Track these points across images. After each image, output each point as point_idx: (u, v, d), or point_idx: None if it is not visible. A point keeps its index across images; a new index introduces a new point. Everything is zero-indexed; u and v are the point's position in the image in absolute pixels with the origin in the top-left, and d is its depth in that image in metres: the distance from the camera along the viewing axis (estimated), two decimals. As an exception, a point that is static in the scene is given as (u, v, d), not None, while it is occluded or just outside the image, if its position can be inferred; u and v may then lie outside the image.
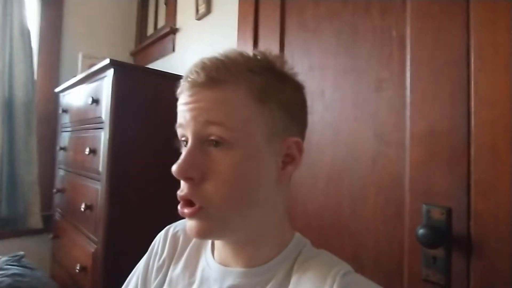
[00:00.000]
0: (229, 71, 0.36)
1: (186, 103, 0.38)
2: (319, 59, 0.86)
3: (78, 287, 1.30)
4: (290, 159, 0.40)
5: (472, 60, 0.56)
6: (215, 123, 0.35)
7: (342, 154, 0.79)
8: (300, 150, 0.41)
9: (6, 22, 1.62)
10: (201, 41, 1.48)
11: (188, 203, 0.36)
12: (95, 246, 1.18)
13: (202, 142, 0.37)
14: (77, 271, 1.24)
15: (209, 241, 0.47)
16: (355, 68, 0.77)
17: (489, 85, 0.54)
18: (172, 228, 0.53)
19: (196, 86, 0.37)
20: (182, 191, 0.37)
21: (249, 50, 1.06)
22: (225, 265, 0.42)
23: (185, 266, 0.46)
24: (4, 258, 1.34)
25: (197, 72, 0.37)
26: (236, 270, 0.40)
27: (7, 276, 1.21)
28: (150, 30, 2.01)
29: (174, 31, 1.67)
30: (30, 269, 1.33)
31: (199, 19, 1.47)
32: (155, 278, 0.47)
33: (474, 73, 0.56)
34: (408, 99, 0.66)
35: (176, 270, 0.46)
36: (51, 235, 1.69)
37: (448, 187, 0.59)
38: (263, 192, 0.38)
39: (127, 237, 1.15)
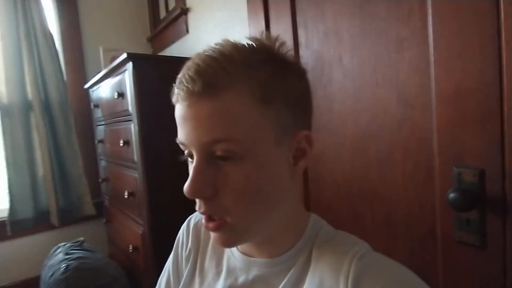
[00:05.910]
0: (226, 73, 0.33)
1: (185, 118, 0.35)
2: (334, 23, 0.81)
3: (134, 265, 1.45)
4: (301, 153, 0.39)
5: (502, 7, 0.50)
6: (220, 140, 0.34)
7: (366, 121, 0.77)
8: (310, 142, 0.39)
9: (29, 28, 1.69)
10: (213, 18, 1.45)
11: (210, 217, 0.37)
12: (142, 228, 1.29)
13: (209, 157, 0.35)
14: (130, 251, 1.38)
15: None
16: (372, 29, 0.72)
17: (523, 32, 0.49)
18: (192, 219, 0.55)
19: (193, 96, 0.34)
20: (200, 208, 0.37)
21: (260, 19, 1.04)
22: (249, 255, 0.44)
23: (212, 255, 0.49)
24: (68, 244, 1.52)
25: (192, 78, 0.34)
26: (260, 261, 0.42)
27: (73, 259, 1.37)
28: (163, 13, 1.99)
29: (185, 11, 1.65)
30: (91, 251, 1.49)
31: (207, -5, 1.43)
32: (186, 267, 0.51)
33: (504, 21, 0.51)
34: (432, 58, 0.61)
35: (205, 258, 0.49)
36: (104, 220, 1.87)
37: (480, 147, 0.56)
38: (278, 194, 0.38)
39: (169, 218, 1.24)
